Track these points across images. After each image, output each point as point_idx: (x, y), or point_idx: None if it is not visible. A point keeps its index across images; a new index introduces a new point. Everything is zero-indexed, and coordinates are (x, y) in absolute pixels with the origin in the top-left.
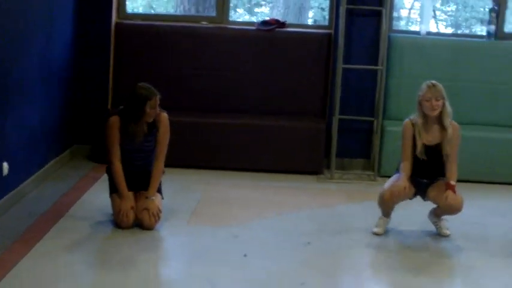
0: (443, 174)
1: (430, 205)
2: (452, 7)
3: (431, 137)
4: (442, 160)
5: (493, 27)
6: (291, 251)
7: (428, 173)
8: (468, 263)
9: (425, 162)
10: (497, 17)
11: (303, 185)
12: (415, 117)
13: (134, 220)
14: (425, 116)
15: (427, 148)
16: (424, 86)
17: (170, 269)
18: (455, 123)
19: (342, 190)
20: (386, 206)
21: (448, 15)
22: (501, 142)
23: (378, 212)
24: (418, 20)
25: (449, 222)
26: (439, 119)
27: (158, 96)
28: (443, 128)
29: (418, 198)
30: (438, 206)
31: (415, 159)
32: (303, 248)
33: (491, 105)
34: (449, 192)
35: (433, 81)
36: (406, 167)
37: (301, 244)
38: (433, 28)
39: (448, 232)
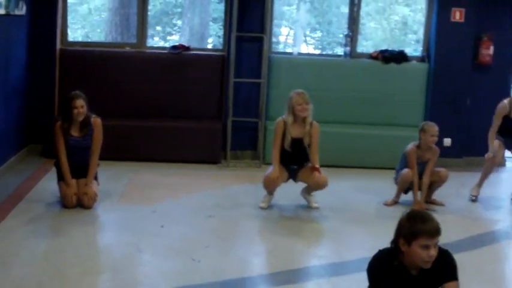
0: (307, 161)
1: (302, 185)
2: (319, 34)
3: (297, 132)
4: (305, 150)
5: (348, 49)
6: (198, 222)
7: (295, 160)
8: (333, 228)
9: (293, 153)
10: (351, 41)
11: (206, 172)
12: (286, 116)
13: (77, 202)
14: (295, 116)
15: (294, 141)
16: (294, 94)
17: (105, 237)
18: (315, 123)
19: (235, 175)
20: (268, 188)
21: (315, 40)
22: (357, 135)
23: (263, 191)
24: (292, 43)
25: (318, 197)
26: (304, 119)
27: (83, 98)
28: (305, 124)
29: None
30: (308, 185)
31: (286, 151)
32: (207, 219)
33: (349, 107)
34: (316, 173)
35: (300, 90)
36: (276, 155)
37: (205, 216)
38: (304, 50)
39: (316, 205)
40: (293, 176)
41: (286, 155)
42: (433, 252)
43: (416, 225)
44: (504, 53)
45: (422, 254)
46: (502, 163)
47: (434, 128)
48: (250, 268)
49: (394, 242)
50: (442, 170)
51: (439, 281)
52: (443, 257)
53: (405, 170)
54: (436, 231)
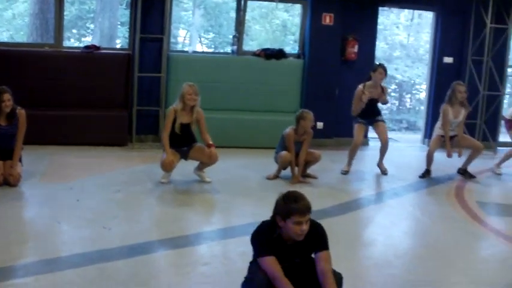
0: (195, 142)
1: (196, 163)
2: (211, 35)
3: (186, 118)
4: (192, 134)
5: (235, 47)
6: (108, 196)
7: (185, 142)
8: (222, 199)
9: (182, 136)
10: (238, 41)
11: (114, 153)
12: (176, 104)
13: (3, 181)
14: (184, 104)
15: (183, 126)
16: (186, 85)
17: (28, 211)
18: (200, 109)
19: (140, 156)
20: (165, 170)
21: (209, 40)
22: (243, 120)
23: None
24: (188, 43)
25: (210, 173)
26: (192, 107)
27: (9, 92)
28: (192, 112)
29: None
30: (201, 162)
31: (177, 135)
32: (116, 194)
33: (236, 97)
34: (212, 149)
35: (191, 83)
36: (166, 139)
37: (114, 191)
38: (199, 49)
39: (209, 180)
40: (184, 156)
41: (177, 138)
42: (305, 227)
43: (290, 205)
44: (366, 50)
45: (296, 229)
46: (365, 142)
47: (310, 115)
48: (153, 234)
49: (273, 217)
50: (316, 152)
51: (312, 250)
52: (315, 229)
53: (284, 152)
54: (306, 210)
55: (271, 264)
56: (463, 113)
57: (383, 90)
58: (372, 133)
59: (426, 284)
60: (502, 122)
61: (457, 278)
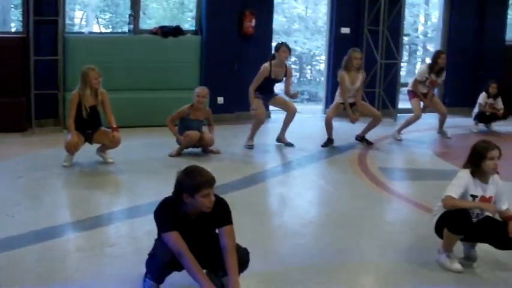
0: (100, 125)
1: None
2: (108, 15)
3: (92, 101)
4: (98, 116)
5: (132, 26)
6: (10, 183)
7: (91, 125)
8: (127, 179)
9: (88, 119)
10: (134, 19)
11: (15, 140)
12: (80, 89)
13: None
14: (90, 88)
15: (89, 108)
16: (88, 69)
17: None
18: (104, 90)
19: (41, 140)
20: (69, 152)
21: (106, 20)
22: (143, 99)
23: (65, 152)
24: (85, 24)
25: (114, 153)
26: (96, 90)
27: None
28: (97, 94)
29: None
30: (104, 144)
31: (83, 119)
32: (18, 180)
33: (135, 76)
34: (115, 133)
35: (92, 66)
36: (71, 124)
37: (16, 178)
38: (96, 29)
39: (111, 160)
40: (89, 139)
41: (83, 122)
42: (213, 198)
43: (196, 179)
44: (264, 24)
45: (205, 202)
46: (267, 115)
47: (204, 90)
48: (58, 218)
49: (177, 195)
50: (208, 134)
51: (215, 225)
52: (218, 203)
53: (191, 132)
54: (213, 180)
55: (175, 239)
56: (360, 79)
57: (287, 71)
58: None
59: (334, 251)
60: (401, 90)
61: (364, 243)
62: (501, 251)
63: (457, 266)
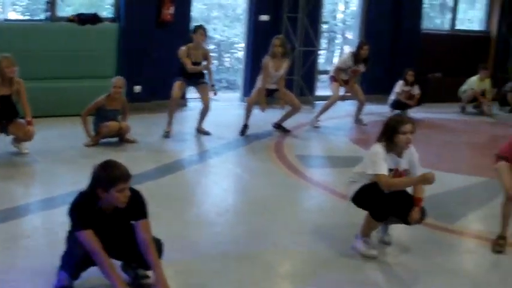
0: (16, 116)
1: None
2: (25, 2)
3: (5, 90)
4: (13, 106)
5: (49, 13)
6: None
7: (5, 116)
8: (43, 169)
9: (2, 109)
10: (51, 6)
11: None
12: None
13: None
14: (3, 78)
15: (3, 98)
16: (1, 58)
17: None
18: (20, 79)
19: None
20: None
21: (23, 7)
22: (60, 88)
23: None
24: (1, 11)
25: (30, 144)
26: (11, 79)
27: None
28: (11, 83)
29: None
30: (17, 137)
31: None
32: None
33: (52, 65)
34: (29, 127)
35: (6, 54)
36: None
37: None
38: (13, 16)
39: (27, 151)
40: (4, 130)
41: None
42: (128, 193)
43: (111, 174)
44: (182, 11)
45: (120, 197)
46: (183, 104)
47: (120, 80)
48: None
49: (92, 190)
50: (124, 122)
51: (131, 218)
52: (133, 196)
53: (111, 122)
54: (128, 175)
55: (88, 238)
56: (284, 67)
57: (206, 54)
58: (192, 94)
59: (250, 238)
60: (319, 77)
61: (280, 231)
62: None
63: (373, 251)
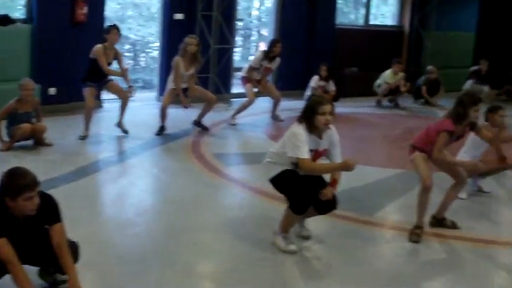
0: None
1: None
2: None
3: None
4: None
5: None
6: None
7: None
8: None
9: None
10: None
11: None
12: None
13: None
14: None
15: None
16: None
17: None
18: None
19: None
20: None
21: None
22: None
23: None
24: None
25: None
26: None
27: None
28: None
29: None
30: None
31: None
32: None
33: None
34: None
35: None
36: None
37: None
38: None
39: None
40: None
41: None
42: (36, 200)
43: (16, 183)
44: (96, 11)
45: (28, 205)
46: (98, 105)
47: (29, 83)
48: None
49: (1, 198)
50: (39, 123)
51: (45, 223)
52: (46, 201)
53: (24, 125)
54: (34, 184)
55: (2, 247)
56: (194, 66)
57: (118, 55)
58: (107, 95)
59: (170, 237)
60: (235, 74)
61: (200, 229)
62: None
63: (292, 247)
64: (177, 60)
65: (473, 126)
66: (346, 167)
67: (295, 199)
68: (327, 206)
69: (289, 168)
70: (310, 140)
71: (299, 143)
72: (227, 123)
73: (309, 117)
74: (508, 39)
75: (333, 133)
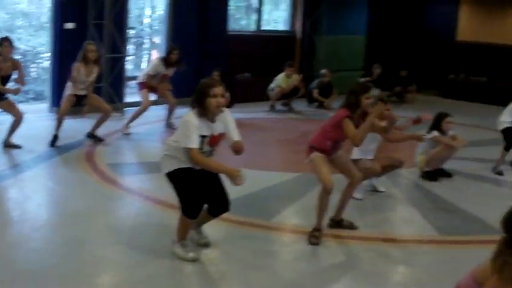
0: None
1: None
2: None
3: None
4: None
5: None
6: None
7: None
8: None
9: None
10: None
11: None
12: None
13: None
14: None
15: None
16: None
17: None
18: None
19: None
20: None
21: None
22: None
23: None
24: None
25: None
26: None
27: None
28: None
29: None
30: None
31: None
32: None
33: None
34: None
35: None
36: None
37: None
38: None
39: None
40: None
41: None
42: None
43: None
44: None
45: None
46: None
47: None
48: None
49: None
50: None
51: None
52: None
53: None
54: None
55: None
56: (95, 72)
57: (17, 64)
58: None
59: (68, 251)
60: (128, 83)
61: (97, 241)
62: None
63: (192, 254)
64: (77, 65)
65: (366, 117)
66: (233, 178)
67: (186, 203)
68: (220, 208)
69: (184, 165)
70: (203, 126)
71: (189, 132)
72: (121, 132)
73: (200, 101)
74: (396, 41)
75: (226, 115)
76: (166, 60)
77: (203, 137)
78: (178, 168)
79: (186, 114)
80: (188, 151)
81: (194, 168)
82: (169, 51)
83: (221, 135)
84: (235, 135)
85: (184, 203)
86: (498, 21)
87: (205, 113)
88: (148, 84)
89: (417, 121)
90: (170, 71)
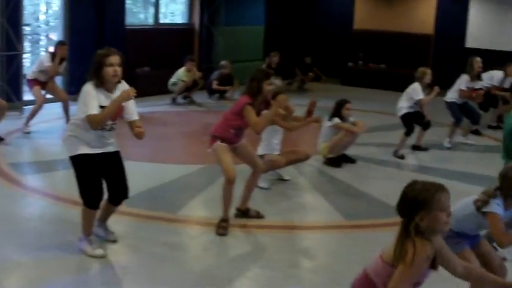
0: None
1: None
2: None
3: None
4: None
5: None
6: None
7: None
8: None
9: None
10: None
11: None
12: None
13: None
14: None
15: None
16: None
17: None
18: None
19: None
20: None
21: None
22: None
23: None
24: None
25: None
26: None
27: None
28: None
29: None
30: None
31: None
32: None
33: None
34: None
35: None
36: None
37: None
38: None
39: None
40: None
41: None
42: None
43: None
44: None
45: None
46: None
47: None
48: None
49: None
50: None
51: None
52: None
53: None
54: None
55: None
56: None
57: None
58: None
59: None
60: (25, 81)
61: (2, 244)
62: None
63: (99, 251)
64: None
65: (267, 105)
66: (126, 95)
67: (86, 192)
68: (119, 195)
69: (86, 148)
70: (102, 96)
71: (86, 100)
72: (21, 131)
73: (97, 71)
74: (295, 31)
75: (124, 87)
76: (54, 55)
77: (102, 107)
78: (80, 154)
79: (84, 86)
80: (87, 119)
81: (95, 153)
82: (56, 46)
83: (121, 108)
84: (134, 113)
85: (85, 191)
86: (392, 10)
87: (103, 82)
88: (38, 81)
89: (310, 112)
90: (61, 68)
